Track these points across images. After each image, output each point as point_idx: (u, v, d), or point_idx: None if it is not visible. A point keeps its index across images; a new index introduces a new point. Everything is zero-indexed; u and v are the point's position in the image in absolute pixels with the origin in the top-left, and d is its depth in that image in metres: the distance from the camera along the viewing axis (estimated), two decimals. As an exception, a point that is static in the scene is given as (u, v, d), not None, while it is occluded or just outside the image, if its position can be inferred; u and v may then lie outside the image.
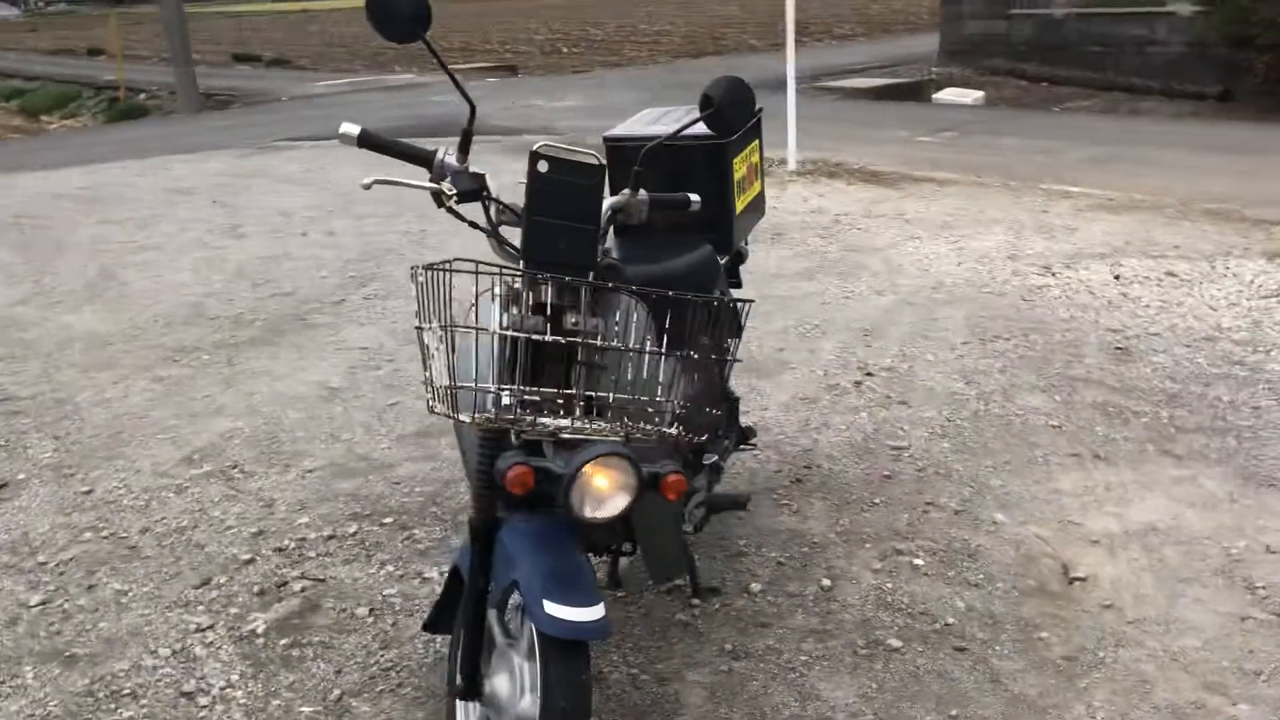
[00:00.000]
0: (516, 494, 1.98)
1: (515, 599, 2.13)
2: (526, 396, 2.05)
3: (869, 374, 4.42)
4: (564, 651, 1.99)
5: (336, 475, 3.85)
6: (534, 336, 2.05)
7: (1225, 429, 3.72)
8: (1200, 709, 2.42)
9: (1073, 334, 4.72)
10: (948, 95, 12.96)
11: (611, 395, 2.08)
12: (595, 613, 1.96)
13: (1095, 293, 5.27)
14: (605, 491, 1.98)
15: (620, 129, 3.18)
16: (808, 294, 5.55)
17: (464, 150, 2.32)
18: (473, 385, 2.03)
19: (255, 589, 3.16)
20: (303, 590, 3.14)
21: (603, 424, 2.05)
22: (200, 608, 3.09)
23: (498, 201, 2.32)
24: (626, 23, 27.09)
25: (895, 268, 5.91)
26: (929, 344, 4.71)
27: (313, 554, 3.34)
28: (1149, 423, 3.81)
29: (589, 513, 1.99)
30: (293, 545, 3.39)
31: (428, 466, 3.87)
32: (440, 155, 2.30)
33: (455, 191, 2.29)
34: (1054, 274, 5.62)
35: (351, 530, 3.46)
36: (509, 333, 2.05)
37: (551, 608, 1.96)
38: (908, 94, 13.21)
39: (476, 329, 2.05)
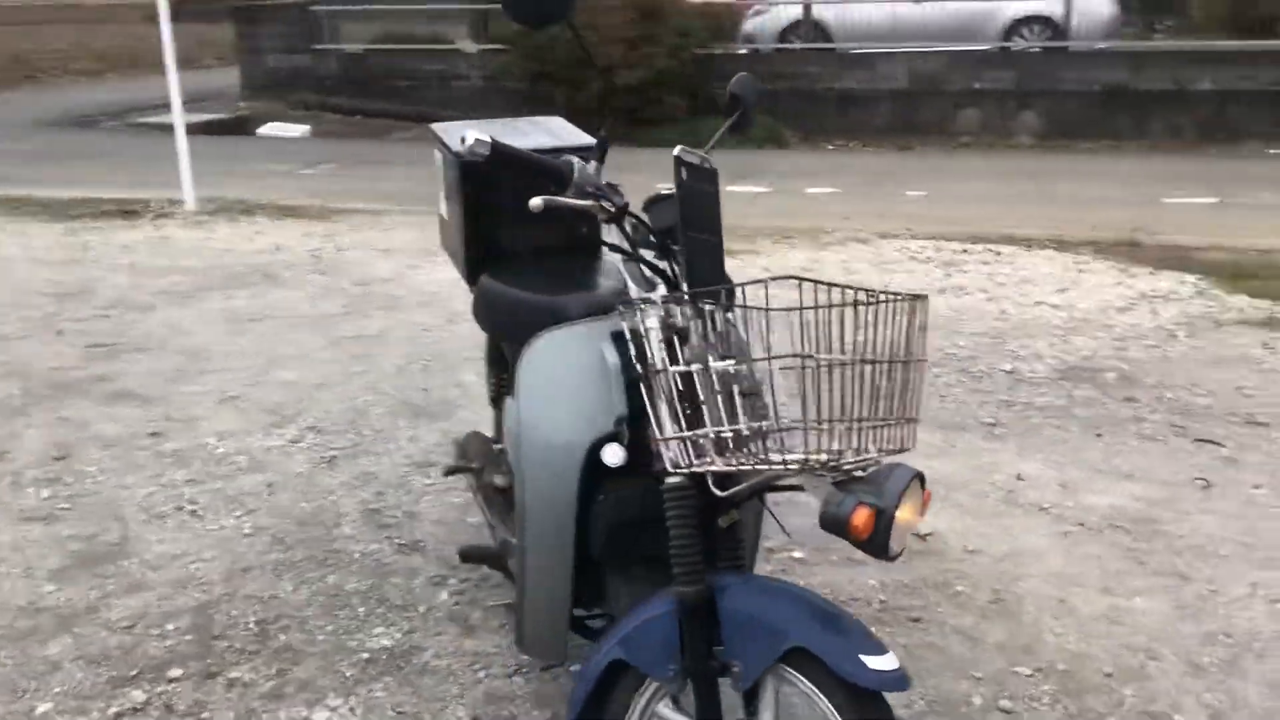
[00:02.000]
0: (860, 539, 1.72)
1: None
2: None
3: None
4: (878, 705, 1.79)
5: (21, 640, 2.78)
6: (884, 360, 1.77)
7: (881, 393, 4.32)
8: (1120, 610, 2.87)
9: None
10: (273, 129, 12.61)
11: (885, 412, 1.87)
12: (895, 659, 1.79)
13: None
14: (910, 521, 1.80)
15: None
16: (396, 329, 5.18)
17: (602, 160, 1.95)
18: (809, 423, 1.71)
19: (89, 814, 2.21)
20: (166, 792, 2.27)
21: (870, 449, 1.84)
22: None
23: (636, 218, 1.97)
24: None
25: (443, 297, 5.74)
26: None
27: (119, 745, 2.41)
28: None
29: (895, 549, 1.79)
30: (75, 743, 2.41)
31: (151, 598, 2.97)
32: (577, 166, 1.90)
33: (615, 209, 1.92)
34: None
35: (140, 699, 2.55)
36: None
37: (871, 661, 1.75)
38: (235, 129, 12.57)
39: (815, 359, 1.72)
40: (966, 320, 5.20)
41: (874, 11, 12.78)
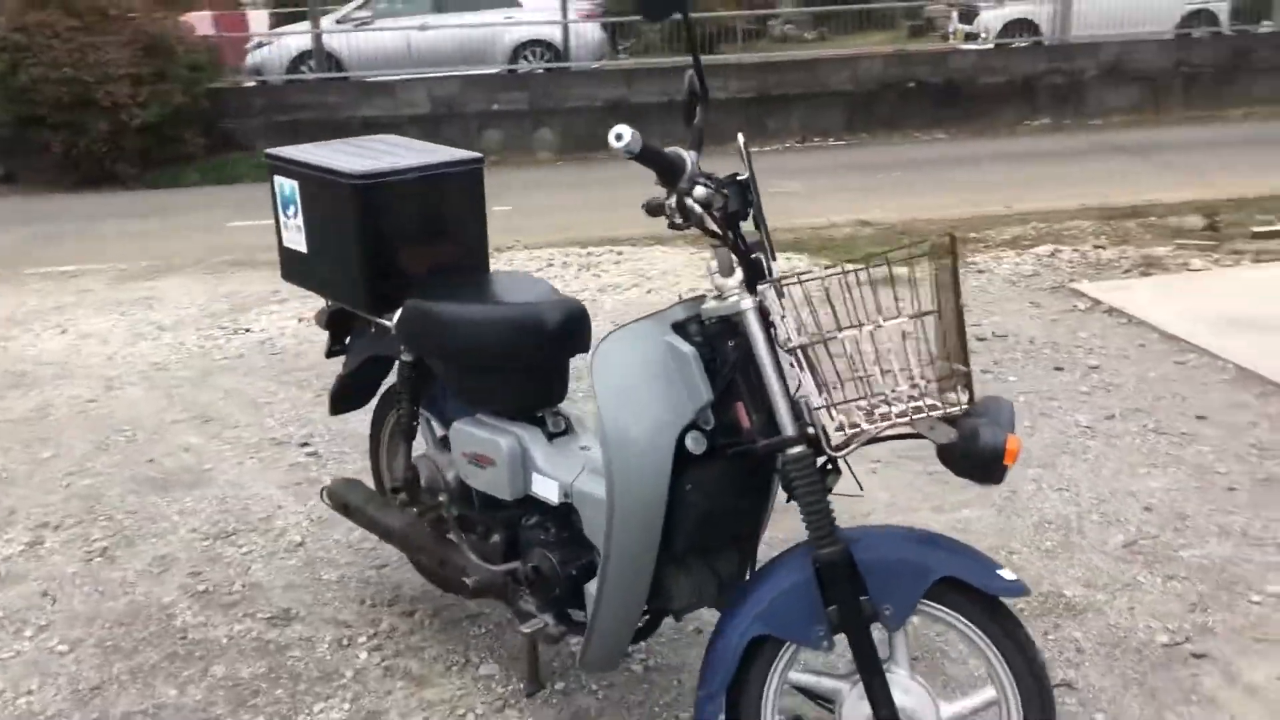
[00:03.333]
0: (1009, 465, 1.90)
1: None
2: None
3: (307, 446, 3.98)
4: (1009, 615, 2.00)
5: None
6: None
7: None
8: (960, 521, 3.30)
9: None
10: None
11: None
12: (1011, 571, 2.02)
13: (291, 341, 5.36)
14: None
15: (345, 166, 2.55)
16: (54, 406, 4.45)
17: (699, 150, 1.98)
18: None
19: None
20: None
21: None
22: None
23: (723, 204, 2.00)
24: None
25: (77, 365, 5.01)
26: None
27: None
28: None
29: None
30: None
31: None
32: (689, 159, 1.93)
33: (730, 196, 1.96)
34: (249, 330, 5.47)
35: None
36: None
37: (1005, 574, 1.97)
38: None
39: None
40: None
41: (386, 39, 12.85)
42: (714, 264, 2.01)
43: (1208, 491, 3.38)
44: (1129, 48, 13.28)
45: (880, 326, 1.88)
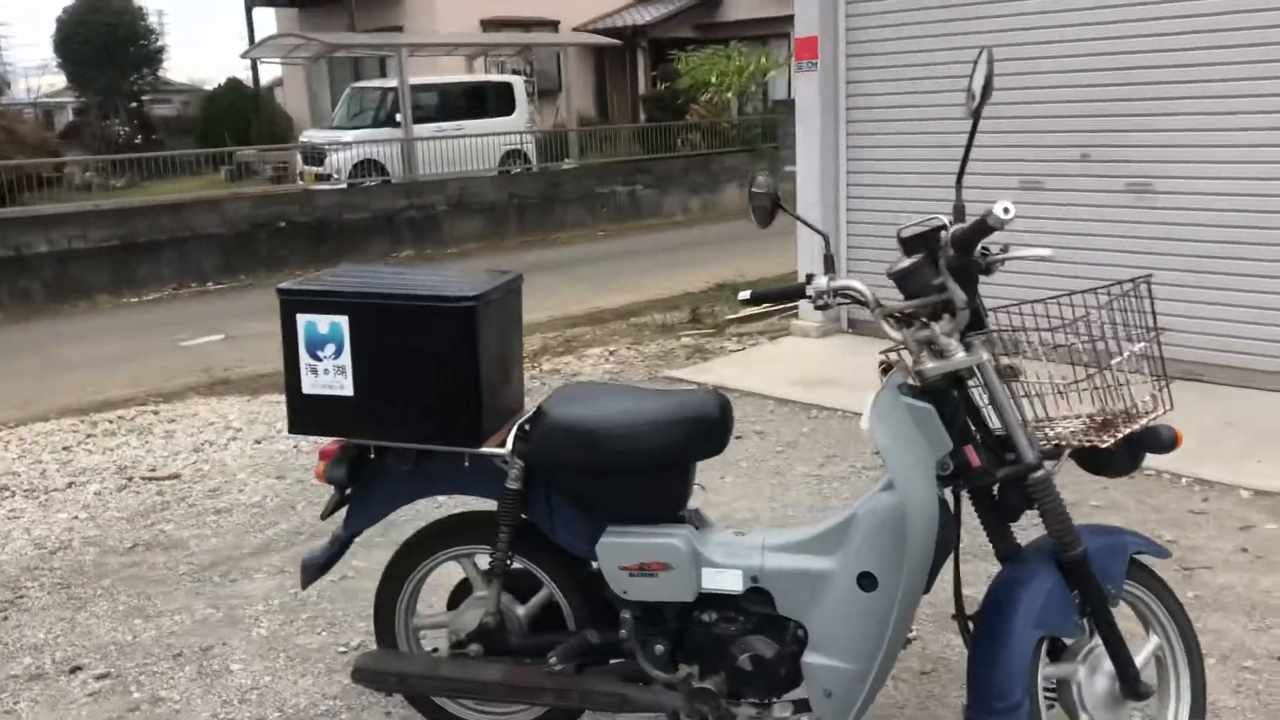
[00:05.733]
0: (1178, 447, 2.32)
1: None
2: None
3: (81, 669, 3.08)
4: (1156, 573, 2.48)
5: None
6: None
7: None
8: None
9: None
10: None
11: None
12: None
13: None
14: None
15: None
16: None
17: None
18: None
19: None
20: None
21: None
22: None
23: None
24: None
25: None
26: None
27: None
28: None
29: None
30: None
31: None
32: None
33: None
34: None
35: None
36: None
37: (1155, 542, 2.48)
38: None
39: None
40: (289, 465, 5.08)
41: None
42: (938, 326, 2.20)
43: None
44: (468, 183, 14.71)
45: (1131, 354, 2.26)
